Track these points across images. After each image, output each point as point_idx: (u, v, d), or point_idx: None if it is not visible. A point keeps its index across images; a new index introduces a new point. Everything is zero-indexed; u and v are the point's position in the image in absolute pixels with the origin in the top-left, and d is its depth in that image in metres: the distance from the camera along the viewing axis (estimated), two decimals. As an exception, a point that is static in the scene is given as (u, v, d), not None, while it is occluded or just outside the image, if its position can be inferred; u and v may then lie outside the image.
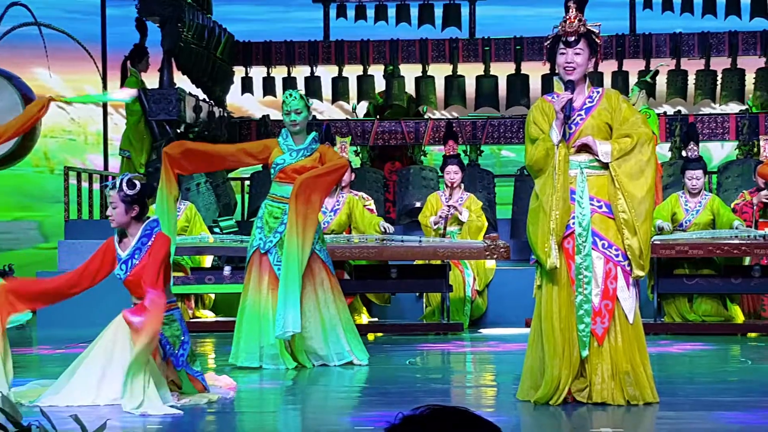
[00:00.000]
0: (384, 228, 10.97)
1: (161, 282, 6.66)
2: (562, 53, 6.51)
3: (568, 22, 6.51)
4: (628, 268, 6.40)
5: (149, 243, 6.76)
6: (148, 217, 6.91)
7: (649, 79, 13.68)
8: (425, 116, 15.36)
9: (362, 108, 15.64)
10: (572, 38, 6.49)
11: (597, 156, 6.42)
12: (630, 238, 6.37)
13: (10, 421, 4.63)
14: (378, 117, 15.27)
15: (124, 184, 6.78)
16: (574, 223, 6.41)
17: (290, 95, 8.74)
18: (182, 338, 6.84)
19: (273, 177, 8.70)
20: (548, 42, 6.61)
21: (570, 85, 6.46)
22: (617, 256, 6.40)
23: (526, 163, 6.64)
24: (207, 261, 11.90)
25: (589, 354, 6.35)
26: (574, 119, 6.48)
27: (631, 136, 6.43)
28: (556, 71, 6.61)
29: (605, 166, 6.45)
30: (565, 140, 6.43)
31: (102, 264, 6.88)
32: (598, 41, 6.57)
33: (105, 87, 16.38)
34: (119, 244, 6.83)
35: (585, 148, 6.44)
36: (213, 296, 12.13)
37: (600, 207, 6.43)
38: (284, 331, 8.25)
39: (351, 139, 13.74)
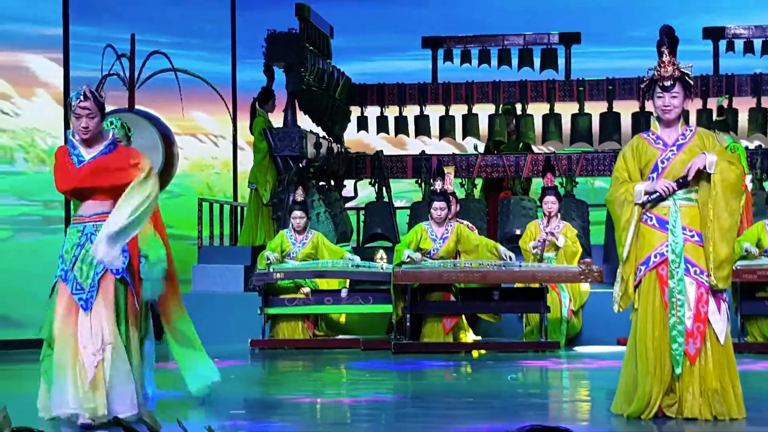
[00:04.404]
0: (504, 254, 10.92)
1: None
2: (660, 97, 6.44)
3: (663, 67, 6.43)
4: (719, 293, 6.34)
5: (114, 152, 6.34)
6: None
7: (722, 104, 13.64)
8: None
9: (480, 146, 15.64)
10: (668, 83, 6.41)
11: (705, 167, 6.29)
12: (718, 244, 6.29)
13: None
14: (496, 151, 15.27)
15: (96, 92, 6.34)
16: (667, 251, 6.36)
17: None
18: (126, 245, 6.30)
19: None
20: (644, 84, 6.53)
21: (682, 180, 6.37)
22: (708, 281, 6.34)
23: (605, 197, 6.63)
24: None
25: (681, 372, 6.28)
26: (666, 155, 6.43)
27: (736, 165, 6.36)
28: (654, 113, 6.54)
29: (698, 198, 6.39)
30: (658, 175, 6.39)
31: (61, 152, 6.38)
32: (691, 82, 6.49)
33: (235, 126, 16.52)
34: (84, 150, 6.35)
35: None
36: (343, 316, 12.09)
37: (692, 236, 6.35)
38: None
39: (456, 171, 13.82)
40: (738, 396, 6.33)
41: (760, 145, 14.57)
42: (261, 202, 13.55)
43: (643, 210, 6.44)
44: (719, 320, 6.33)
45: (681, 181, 6.36)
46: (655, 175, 6.43)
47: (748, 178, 13.85)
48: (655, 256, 6.38)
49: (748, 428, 6.14)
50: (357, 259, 11.49)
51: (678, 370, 6.27)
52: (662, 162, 6.43)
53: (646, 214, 6.45)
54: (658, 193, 6.37)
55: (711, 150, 6.35)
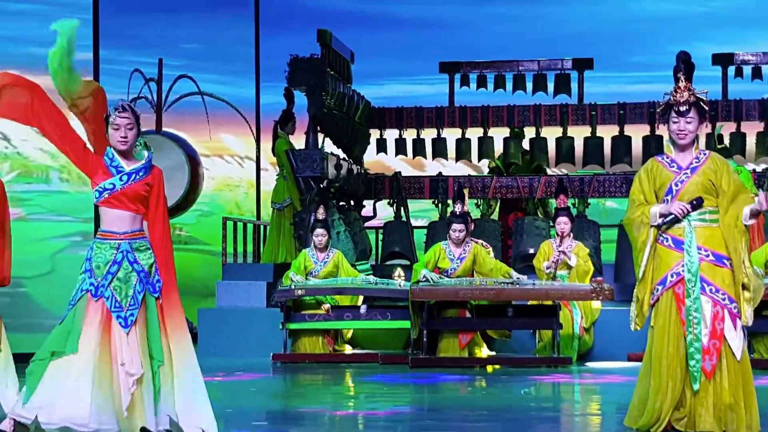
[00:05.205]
0: (516, 278, 10.95)
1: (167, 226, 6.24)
2: (675, 122, 6.42)
3: (679, 93, 6.42)
4: (735, 311, 6.35)
5: (151, 170, 6.24)
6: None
7: (717, 144, 13.72)
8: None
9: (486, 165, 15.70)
10: (684, 108, 6.40)
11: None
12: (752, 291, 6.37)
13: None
14: (504, 173, 15.28)
15: (133, 105, 6.26)
16: (683, 270, 6.36)
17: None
18: (156, 265, 6.18)
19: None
20: (660, 109, 6.53)
21: (696, 202, 6.40)
22: (724, 299, 6.31)
23: (623, 219, 6.65)
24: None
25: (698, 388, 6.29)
26: (680, 178, 6.44)
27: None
28: (668, 137, 6.55)
29: (712, 219, 6.40)
30: (672, 197, 6.42)
31: (96, 160, 6.26)
32: (706, 108, 6.49)
33: (258, 147, 16.60)
34: (123, 161, 6.21)
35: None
36: (351, 331, 12.18)
37: (707, 256, 6.35)
38: None
39: (471, 192, 13.89)
40: (752, 411, 6.29)
41: (766, 168, 14.57)
42: (283, 221, 13.60)
43: (659, 231, 6.45)
44: (735, 337, 6.31)
45: (695, 202, 6.37)
46: (669, 197, 6.42)
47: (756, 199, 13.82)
48: (672, 276, 6.37)
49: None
50: (366, 270, 11.62)
51: (696, 386, 6.25)
52: (676, 185, 6.42)
53: (663, 235, 6.44)
54: (673, 215, 6.37)
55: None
